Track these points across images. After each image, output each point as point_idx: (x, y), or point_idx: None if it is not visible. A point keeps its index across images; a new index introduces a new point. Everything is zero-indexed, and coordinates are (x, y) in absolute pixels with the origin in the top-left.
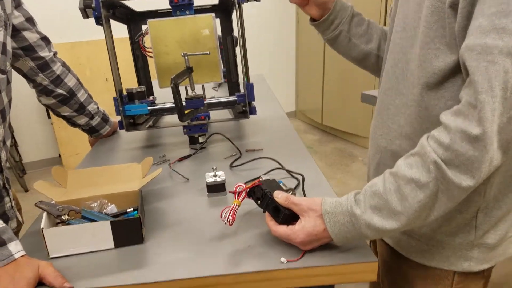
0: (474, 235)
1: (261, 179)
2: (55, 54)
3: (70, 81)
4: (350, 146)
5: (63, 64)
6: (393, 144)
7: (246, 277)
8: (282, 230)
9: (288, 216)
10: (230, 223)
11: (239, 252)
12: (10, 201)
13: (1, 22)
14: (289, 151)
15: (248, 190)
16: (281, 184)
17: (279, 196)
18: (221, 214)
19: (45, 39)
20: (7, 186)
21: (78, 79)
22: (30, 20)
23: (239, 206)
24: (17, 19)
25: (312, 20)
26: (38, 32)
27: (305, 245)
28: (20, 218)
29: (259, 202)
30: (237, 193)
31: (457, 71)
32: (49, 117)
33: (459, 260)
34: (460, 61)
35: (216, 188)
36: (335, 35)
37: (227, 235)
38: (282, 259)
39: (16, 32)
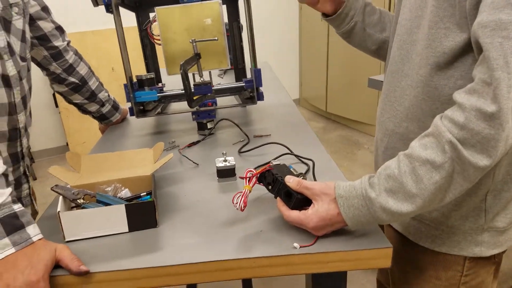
0: (484, 218)
1: (271, 164)
2: (68, 43)
3: (82, 70)
4: (356, 133)
5: (76, 53)
6: (400, 127)
7: (259, 262)
8: (295, 214)
9: (301, 201)
10: (242, 208)
11: (251, 237)
12: (29, 188)
13: (20, 10)
14: (297, 137)
15: (258, 175)
16: (291, 169)
17: (290, 181)
18: (232, 200)
19: (59, 29)
20: (27, 173)
21: (89, 68)
22: (45, 9)
23: (250, 191)
24: (33, 8)
25: (325, 15)
26: (53, 22)
27: (318, 230)
28: (36, 207)
29: (270, 187)
30: (247, 179)
31: (467, 50)
32: (56, 106)
33: (469, 245)
34: (472, 39)
35: (226, 173)
36: (351, 27)
37: (238, 220)
38: (295, 244)
39: (31, 21)
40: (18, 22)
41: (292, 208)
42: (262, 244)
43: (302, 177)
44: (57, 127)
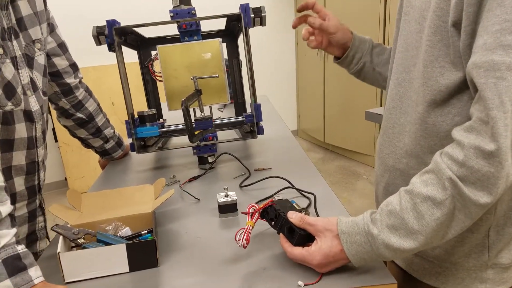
0: (487, 255)
1: (273, 199)
2: (80, 80)
3: (90, 106)
4: (354, 164)
5: (86, 89)
6: (400, 163)
7: None
8: (298, 252)
9: (304, 237)
10: (245, 245)
11: (254, 274)
12: (44, 221)
13: (42, 46)
14: (297, 169)
15: (261, 210)
16: (294, 204)
17: (293, 216)
18: (235, 237)
19: (74, 66)
20: (43, 206)
21: (98, 104)
22: (62, 45)
23: (252, 228)
24: (49, 44)
25: (336, 58)
26: (68, 59)
27: (322, 267)
28: (50, 241)
29: (272, 223)
30: (250, 214)
31: (462, 88)
32: (56, 140)
33: (474, 282)
34: (468, 78)
35: (227, 209)
36: (360, 68)
37: (241, 257)
38: (300, 282)
39: (47, 57)
40: (41, 58)
41: (295, 244)
42: (265, 282)
43: (304, 212)
44: (56, 162)
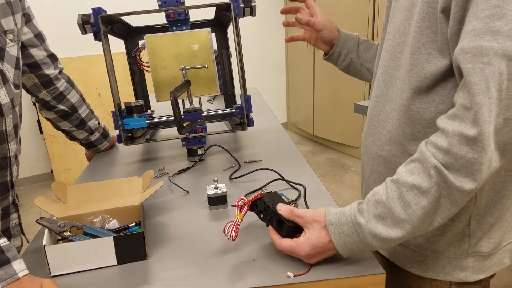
0: (468, 243)
1: (263, 192)
2: (60, 71)
3: (72, 98)
4: (343, 156)
5: (68, 80)
6: (383, 150)
7: None
8: (287, 243)
9: (292, 229)
10: (234, 238)
11: (243, 266)
12: (18, 218)
13: (14, 37)
14: (287, 162)
15: (250, 203)
16: (283, 196)
17: (282, 209)
18: (224, 229)
19: (52, 56)
20: (16, 202)
21: (81, 95)
22: (39, 36)
23: (241, 220)
24: (26, 35)
25: (325, 54)
26: (46, 50)
27: (311, 258)
28: (26, 237)
29: (262, 215)
30: (239, 207)
31: (447, 76)
32: (41, 132)
33: (454, 270)
34: (454, 64)
35: (217, 201)
36: (347, 64)
37: (230, 249)
38: (289, 273)
39: (23, 49)
40: (13, 49)
41: (284, 236)
42: (255, 273)
43: (293, 204)
44: (41, 154)
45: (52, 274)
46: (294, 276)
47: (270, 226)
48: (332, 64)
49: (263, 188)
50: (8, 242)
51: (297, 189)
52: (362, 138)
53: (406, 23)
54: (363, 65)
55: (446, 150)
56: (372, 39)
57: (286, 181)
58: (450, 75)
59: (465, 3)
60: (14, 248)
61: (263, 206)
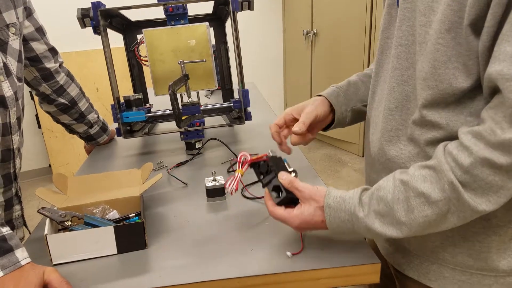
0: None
1: (268, 155)
2: (60, 64)
3: (72, 91)
4: (339, 152)
5: (68, 74)
6: (406, 166)
7: (250, 281)
8: (280, 212)
9: (288, 199)
10: (233, 192)
11: (241, 256)
12: (21, 209)
13: (17, 31)
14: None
15: (251, 163)
16: (286, 163)
17: (283, 177)
18: (225, 184)
19: (53, 50)
20: (19, 194)
21: (80, 89)
22: (39, 30)
23: (242, 176)
24: (27, 29)
25: (327, 127)
26: (46, 43)
27: (300, 229)
28: (28, 228)
29: (261, 176)
30: (241, 163)
31: (475, 89)
32: (39, 126)
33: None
34: (486, 83)
35: (215, 193)
36: (350, 118)
37: (229, 239)
38: (288, 253)
39: (24, 42)
40: (15, 43)
41: (278, 204)
42: (253, 262)
43: (295, 174)
44: (40, 148)
45: (54, 263)
46: (292, 254)
47: (266, 191)
48: (329, 60)
49: (269, 151)
50: (10, 231)
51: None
52: (376, 153)
53: (422, 30)
54: (364, 106)
55: (466, 169)
56: (370, 38)
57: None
58: (478, 88)
59: (503, 18)
60: (17, 237)
61: (266, 168)
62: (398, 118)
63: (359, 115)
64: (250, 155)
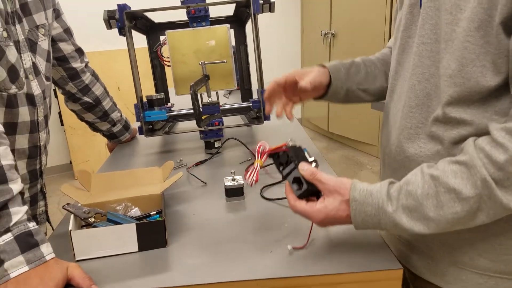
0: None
1: (287, 145)
2: (86, 64)
3: (97, 90)
4: (358, 153)
5: (93, 74)
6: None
7: (269, 283)
8: (301, 206)
9: (310, 192)
10: (253, 184)
11: (260, 257)
12: (45, 205)
13: (46, 32)
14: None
15: (271, 153)
16: (306, 153)
17: (305, 168)
18: (245, 175)
19: (79, 51)
20: (44, 190)
21: (105, 88)
22: (67, 31)
23: (261, 167)
24: (55, 30)
25: (318, 97)
26: (74, 44)
27: (323, 225)
28: (51, 224)
29: (281, 168)
30: (260, 153)
31: (502, 88)
32: (62, 124)
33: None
34: None
35: (234, 192)
36: (343, 96)
37: (247, 240)
38: (289, 246)
39: (53, 43)
40: (44, 43)
41: (299, 197)
42: (271, 264)
43: (315, 164)
44: (61, 145)
45: (77, 259)
46: (293, 248)
47: (287, 183)
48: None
49: (288, 140)
50: (37, 226)
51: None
52: (394, 152)
53: (448, 28)
54: (359, 88)
55: (501, 166)
56: (389, 39)
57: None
58: (505, 87)
59: None
60: (42, 232)
61: (286, 159)
62: (418, 115)
63: (352, 97)
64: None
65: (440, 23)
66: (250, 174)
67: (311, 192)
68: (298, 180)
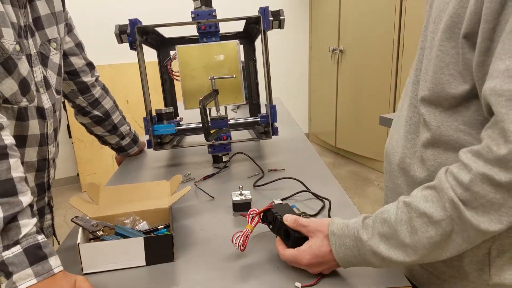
0: (488, 273)
1: (273, 203)
2: (97, 78)
3: (107, 104)
4: (365, 169)
5: (103, 87)
6: (403, 163)
7: None
8: (289, 252)
9: (299, 240)
10: (242, 248)
11: (267, 273)
12: (52, 219)
13: (57, 46)
14: (310, 171)
15: (262, 215)
16: (294, 209)
17: (288, 219)
18: (232, 239)
19: (90, 65)
20: (51, 204)
21: (114, 102)
22: (79, 45)
23: (251, 231)
24: (67, 44)
25: None
26: (85, 58)
27: (312, 267)
28: (57, 238)
29: (270, 226)
30: (250, 218)
31: (469, 98)
32: (70, 136)
33: None
34: (483, 100)
35: (242, 207)
36: None
37: (255, 256)
38: (297, 284)
39: (64, 57)
40: (56, 57)
41: (290, 246)
42: (278, 281)
43: (304, 216)
44: (69, 157)
45: (84, 272)
46: (302, 286)
47: (277, 237)
48: (356, 78)
49: (273, 200)
50: (45, 239)
51: (322, 201)
52: (398, 161)
53: (430, 36)
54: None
55: (466, 187)
56: (397, 55)
57: (312, 193)
58: (473, 98)
59: (491, 34)
60: (51, 245)
61: (272, 216)
62: (406, 114)
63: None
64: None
65: (427, 32)
66: (237, 239)
67: (298, 239)
68: (287, 233)
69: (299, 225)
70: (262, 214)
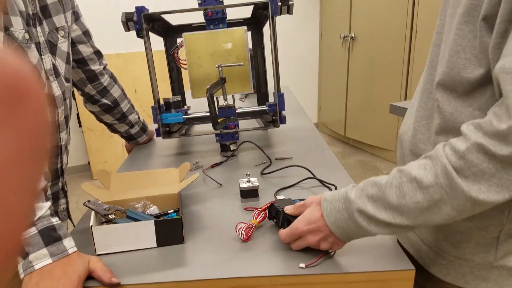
0: (494, 255)
1: (275, 199)
2: (105, 66)
3: (115, 92)
4: (374, 159)
5: (111, 76)
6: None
7: (279, 280)
8: (286, 230)
9: (291, 217)
10: (245, 238)
11: (273, 255)
12: (66, 203)
13: (65, 34)
14: (318, 160)
15: (268, 213)
16: (297, 202)
17: (289, 208)
18: (235, 228)
19: (98, 53)
20: (65, 189)
21: (123, 90)
22: (86, 33)
23: (256, 226)
24: (75, 32)
25: None
26: (92, 46)
27: (310, 237)
28: (72, 221)
29: (275, 220)
30: (255, 214)
31: (485, 83)
32: (80, 125)
33: (475, 280)
34: (494, 81)
35: (249, 194)
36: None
37: (261, 239)
38: (301, 264)
39: (72, 45)
40: (64, 45)
41: (286, 227)
42: (284, 262)
43: None
44: (80, 146)
45: (98, 253)
46: (306, 266)
47: (280, 229)
48: (367, 65)
49: (276, 196)
50: (59, 221)
51: (329, 187)
52: (410, 144)
53: (449, 20)
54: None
55: (462, 155)
56: (410, 42)
57: (318, 179)
58: (488, 83)
59: (510, 15)
60: (65, 227)
61: (275, 211)
62: (421, 101)
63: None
64: (277, 192)
65: (445, 16)
66: (241, 228)
67: (290, 216)
68: (289, 222)
69: (298, 208)
70: (267, 211)
